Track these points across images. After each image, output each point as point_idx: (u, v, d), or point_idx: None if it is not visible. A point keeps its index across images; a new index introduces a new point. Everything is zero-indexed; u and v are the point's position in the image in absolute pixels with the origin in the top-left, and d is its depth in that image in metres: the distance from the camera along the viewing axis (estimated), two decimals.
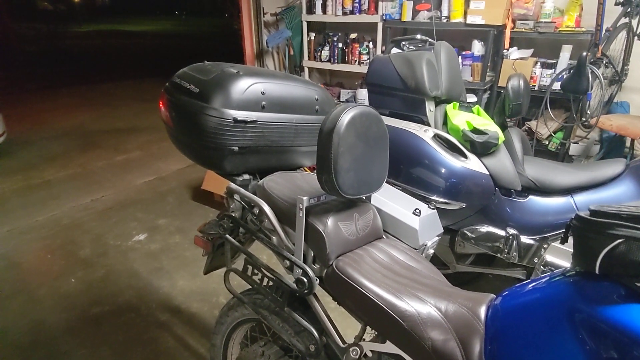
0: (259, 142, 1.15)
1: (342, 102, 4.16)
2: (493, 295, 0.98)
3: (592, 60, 2.37)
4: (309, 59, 4.32)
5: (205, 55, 1.62)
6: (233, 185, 1.17)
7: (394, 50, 2.47)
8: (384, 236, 1.25)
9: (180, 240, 2.76)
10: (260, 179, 1.25)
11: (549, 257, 1.76)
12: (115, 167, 4.07)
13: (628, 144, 2.99)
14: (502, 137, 1.82)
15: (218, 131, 1.07)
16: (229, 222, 1.17)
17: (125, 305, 2.15)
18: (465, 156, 1.84)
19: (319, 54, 4.20)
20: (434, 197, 1.86)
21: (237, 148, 1.10)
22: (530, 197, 1.83)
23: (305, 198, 1.01)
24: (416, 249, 1.31)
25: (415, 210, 1.32)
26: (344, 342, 1.08)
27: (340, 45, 4.04)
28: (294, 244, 1.10)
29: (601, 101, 2.38)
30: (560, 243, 0.83)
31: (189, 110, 1.10)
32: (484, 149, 1.82)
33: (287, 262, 1.08)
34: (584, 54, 2.14)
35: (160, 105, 1.21)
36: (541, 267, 1.78)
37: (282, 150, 1.24)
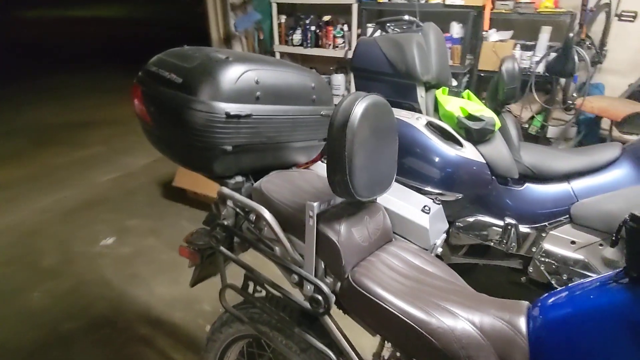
0: (254, 139, 1.00)
1: None
2: (527, 303, 0.89)
3: (576, 41, 2.34)
4: (280, 43, 4.12)
5: (166, 42, 1.43)
6: (226, 190, 1.02)
7: (379, 33, 2.34)
8: (393, 238, 1.14)
9: (155, 242, 2.56)
10: (254, 180, 1.10)
11: (548, 246, 1.72)
12: (77, 164, 3.75)
13: (604, 125, 3.02)
14: (498, 123, 1.74)
15: (208, 128, 0.91)
16: (222, 231, 1.02)
17: (99, 319, 1.95)
18: (461, 144, 1.76)
19: (290, 38, 4.01)
20: (429, 189, 1.77)
21: (231, 147, 0.95)
22: (527, 184, 1.78)
23: (315, 204, 0.88)
24: (426, 249, 1.21)
25: (424, 207, 1.22)
26: None
27: (313, 28, 3.86)
28: (300, 255, 0.97)
29: (587, 83, 2.36)
30: (611, 247, 0.75)
31: (171, 104, 0.93)
32: (480, 136, 1.74)
33: (296, 276, 0.95)
34: (571, 35, 2.10)
35: (134, 98, 1.04)
36: (540, 256, 1.74)
37: (278, 147, 1.10)
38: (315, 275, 0.94)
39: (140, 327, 1.90)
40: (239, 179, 1.06)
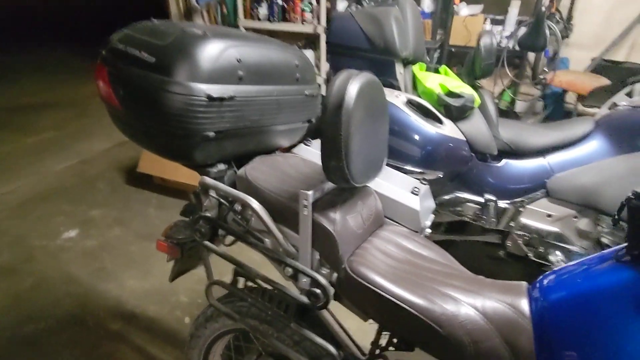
0: (238, 123, 0.91)
1: None
2: (526, 284, 0.88)
3: (547, 15, 2.35)
4: (245, 17, 3.92)
5: (119, 18, 1.29)
6: (208, 180, 0.93)
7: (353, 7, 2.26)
8: (384, 222, 1.11)
9: (122, 233, 2.42)
10: (236, 168, 1.03)
11: (525, 220, 1.76)
12: (27, 151, 3.46)
13: (569, 99, 3.11)
14: (477, 100, 1.73)
15: (187, 113, 0.82)
16: (207, 224, 0.94)
17: (67, 318, 1.82)
18: (441, 122, 1.73)
19: (255, 11, 3.82)
20: (409, 168, 1.74)
21: (213, 133, 0.86)
22: (505, 160, 1.79)
23: (310, 192, 0.82)
24: (417, 232, 1.18)
25: (414, 189, 1.18)
26: (364, 353, 0.93)
27: (279, 2, 3.69)
28: (293, 246, 0.91)
29: (558, 57, 2.40)
30: (612, 225, 0.74)
31: (144, 86, 0.83)
32: (460, 113, 1.72)
33: (290, 269, 0.89)
34: (543, 9, 2.10)
35: (98, 79, 0.92)
36: (517, 231, 1.77)
37: (261, 131, 1.02)
38: (311, 268, 0.88)
39: (113, 324, 1.80)
40: (221, 166, 0.98)
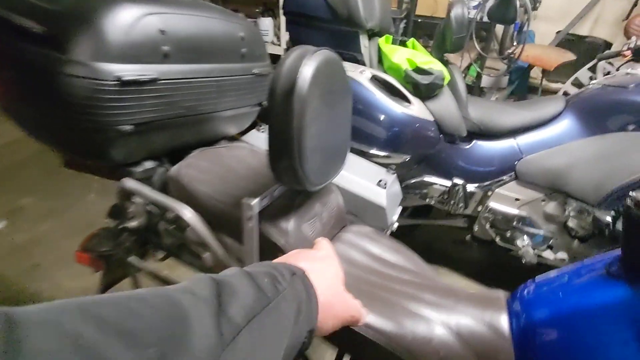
0: (166, 112, 0.73)
1: None
2: (506, 294, 0.79)
3: None
4: None
5: None
6: (130, 183, 0.75)
7: None
8: (347, 222, 0.97)
9: (57, 224, 2.16)
10: (171, 164, 0.85)
11: (493, 204, 1.69)
12: None
13: (533, 74, 3.07)
14: (447, 77, 1.60)
15: (92, 102, 0.63)
16: (132, 238, 0.77)
17: None
18: (408, 101, 1.60)
19: None
20: (374, 151, 1.62)
21: (131, 127, 0.68)
22: (475, 141, 1.70)
23: (255, 201, 0.67)
24: (383, 229, 1.07)
25: (380, 181, 1.05)
26: None
27: None
28: (239, 259, 0.76)
29: (527, 31, 2.30)
30: (620, 248, 0.63)
31: (33, 66, 0.63)
32: (428, 92, 1.59)
33: None
34: None
35: None
36: (485, 215, 1.71)
37: (200, 120, 0.84)
38: None
39: None
40: (149, 164, 0.80)
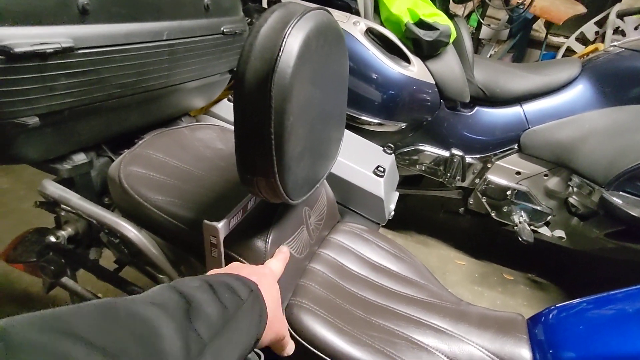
0: (93, 94, 0.53)
1: None
2: (524, 321, 0.67)
3: None
4: None
5: None
6: (50, 188, 0.57)
7: None
8: (338, 219, 0.82)
9: None
10: (115, 154, 0.66)
11: (492, 177, 1.55)
12: None
13: (536, 26, 2.84)
14: (453, 34, 1.39)
15: None
16: (60, 258, 0.59)
17: None
18: (408, 60, 1.40)
19: None
20: (365, 118, 1.43)
21: (35, 119, 0.48)
22: (477, 108, 1.52)
23: (221, 224, 0.49)
24: (379, 224, 0.91)
25: (377, 168, 0.88)
26: None
27: None
28: None
29: None
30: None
31: None
32: (431, 50, 1.39)
33: None
34: None
35: None
36: (482, 188, 1.57)
37: (148, 98, 0.64)
38: None
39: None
40: (81, 157, 0.60)
